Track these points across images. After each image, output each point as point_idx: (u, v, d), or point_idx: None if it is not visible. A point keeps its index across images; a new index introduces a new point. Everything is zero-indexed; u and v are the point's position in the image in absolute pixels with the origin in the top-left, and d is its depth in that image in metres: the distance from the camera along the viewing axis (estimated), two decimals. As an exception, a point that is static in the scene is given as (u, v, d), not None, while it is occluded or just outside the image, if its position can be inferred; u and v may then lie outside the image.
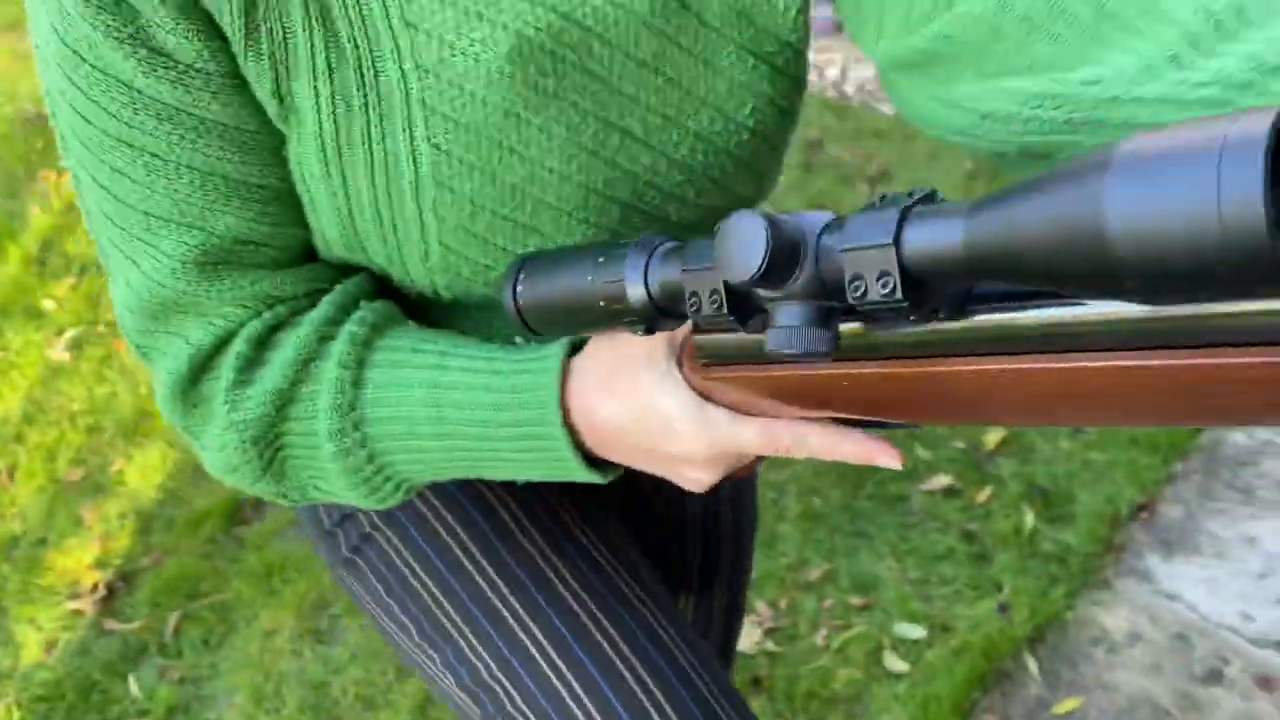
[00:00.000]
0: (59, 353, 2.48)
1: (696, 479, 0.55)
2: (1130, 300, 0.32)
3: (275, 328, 0.60)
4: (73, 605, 1.90)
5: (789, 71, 0.61)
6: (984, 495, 1.83)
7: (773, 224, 0.39)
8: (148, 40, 0.50)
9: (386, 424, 0.58)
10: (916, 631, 1.64)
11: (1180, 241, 0.28)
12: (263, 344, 0.59)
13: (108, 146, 0.54)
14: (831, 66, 3.09)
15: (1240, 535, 1.72)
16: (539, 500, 0.76)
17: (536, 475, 0.59)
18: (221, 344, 0.59)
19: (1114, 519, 1.74)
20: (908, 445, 1.93)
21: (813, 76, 3.12)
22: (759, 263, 0.39)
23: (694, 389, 0.52)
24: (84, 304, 2.61)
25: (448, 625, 0.72)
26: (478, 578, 0.72)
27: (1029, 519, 1.76)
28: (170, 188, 0.54)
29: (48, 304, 2.63)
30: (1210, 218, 0.27)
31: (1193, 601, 1.64)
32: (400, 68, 0.53)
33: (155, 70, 0.51)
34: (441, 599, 0.72)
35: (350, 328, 0.59)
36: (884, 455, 0.51)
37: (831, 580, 1.75)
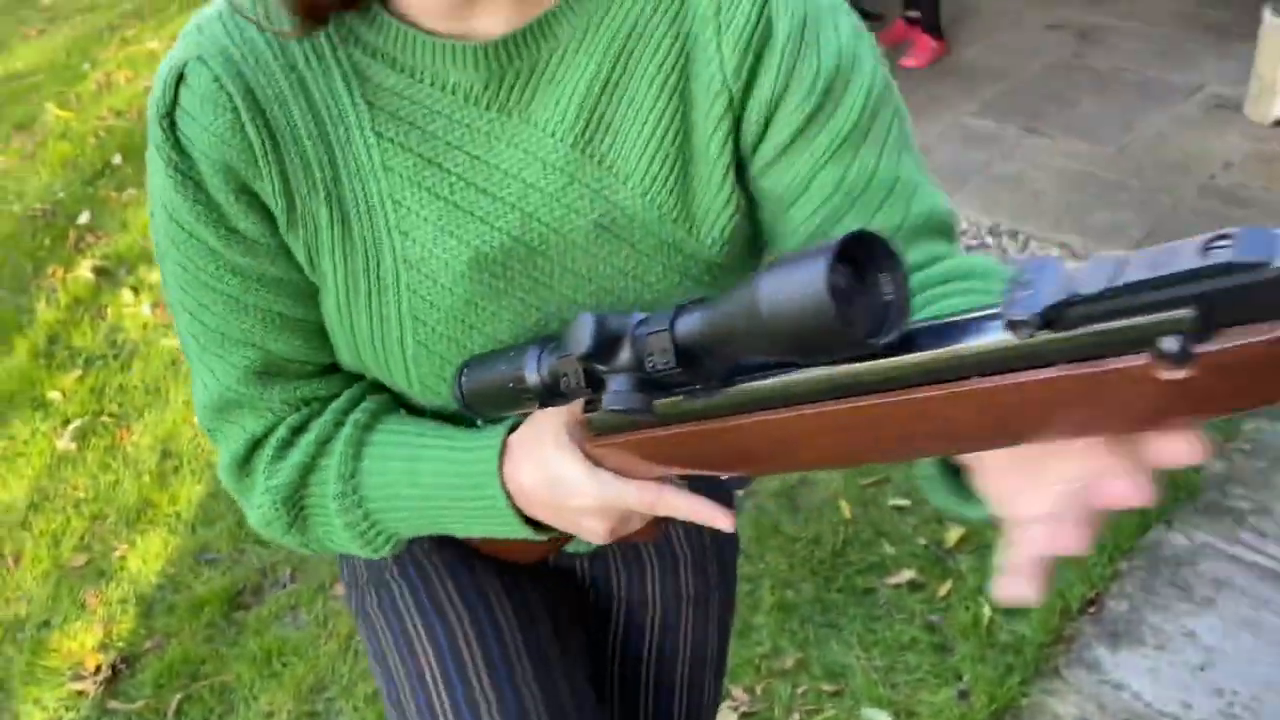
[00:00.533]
0: (65, 442, 2.58)
1: (593, 529, 0.71)
2: (800, 361, 0.50)
3: (309, 418, 0.78)
4: (76, 686, 1.97)
5: (716, 283, 0.77)
6: (945, 589, 1.96)
7: (600, 319, 0.58)
8: (226, 223, 0.71)
9: (377, 490, 0.76)
10: (883, 717, 1.76)
11: (792, 319, 0.45)
12: (298, 430, 0.78)
13: (197, 288, 0.73)
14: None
15: (1180, 629, 1.86)
16: (535, 601, 0.94)
17: (492, 532, 0.76)
18: (269, 431, 0.78)
19: (1064, 612, 1.88)
20: (876, 543, 2.08)
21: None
22: (588, 345, 0.57)
23: (587, 455, 0.67)
24: (89, 395, 2.72)
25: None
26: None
27: (987, 611, 1.89)
28: (239, 320, 0.74)
29: (54, 395, 2.74)
30: (797, 303, 0.45)
31: (1138, 690, 1.77)
32: (394, 261, 0.72)
33: (231, 243, 0.71)
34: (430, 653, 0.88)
35: (356, 415, 0.77)
36: (719, 519, 0.68)
37: (804, 668, 1.86)
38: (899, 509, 2.18)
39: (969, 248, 2.98)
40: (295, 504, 0.78)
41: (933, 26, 3.81)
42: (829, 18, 0.72)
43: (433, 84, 0.70)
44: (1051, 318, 0.40)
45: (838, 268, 0.44)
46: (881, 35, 4.00)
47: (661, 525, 0.77)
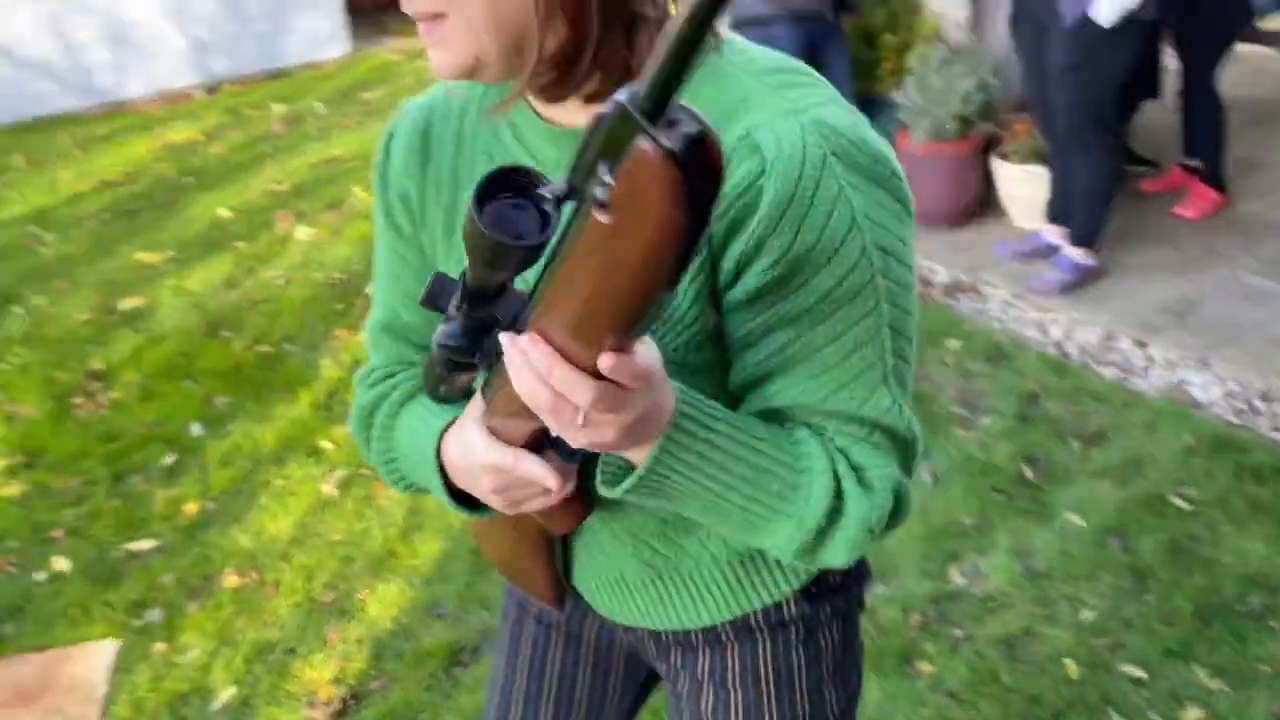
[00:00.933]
0: (329, 488, 2.85)
1: (487, 489, 0.87)
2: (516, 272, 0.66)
3: (399, 372, 1.04)
4: (310, 713, 2.15)
5: (686, 379, 0.81)
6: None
7: (436, 281, 0.74)
8: (392, 219, 0.99)
9: (397, 439, 1.01)
10: None
11: (488, 254, 0.63)
12: (388, 377, 1.04)
13: (380, 259, 1.03)
14: (1055, 325, 3.22)
15: None
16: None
17: (436, 494, 0.96)
18: (376, 369, 1.05)
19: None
20: (1102, 712, 1.95)
21: (1034, 333, 3.27)
22: (424, 296, 0.73)
23: (489, 429, 0.84)
24: (356, 450, 3.00)
25: None
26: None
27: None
28: (390, 286, 1.02)
29: (326, 445, 3.04)
30: (483, 244, 0.62)
31: None
32: None
33: (395, 232, 1.00)
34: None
35: (406, 386, 1.02)
36: (549, 479, 0.82)
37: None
38: (1134, 680, 2.04)
39: (1237, 410, 2.79)
40: (366, 422, 1.04)
41: (1214, 178, 3.65)
42: (825, 205, 0.75)
43: (531, 154, 0.88)
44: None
45: (484, 210, 0.62)
46: (1155, 182, 3.87)
47: (571, 516, 0.93)
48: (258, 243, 4.58)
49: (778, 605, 1.02)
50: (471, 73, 0.79)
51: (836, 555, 0.83)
